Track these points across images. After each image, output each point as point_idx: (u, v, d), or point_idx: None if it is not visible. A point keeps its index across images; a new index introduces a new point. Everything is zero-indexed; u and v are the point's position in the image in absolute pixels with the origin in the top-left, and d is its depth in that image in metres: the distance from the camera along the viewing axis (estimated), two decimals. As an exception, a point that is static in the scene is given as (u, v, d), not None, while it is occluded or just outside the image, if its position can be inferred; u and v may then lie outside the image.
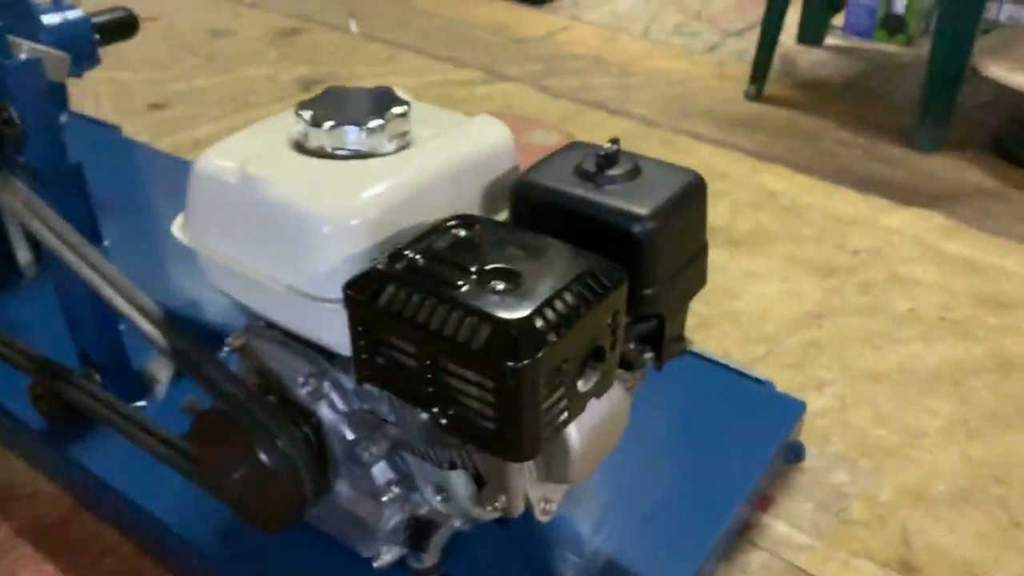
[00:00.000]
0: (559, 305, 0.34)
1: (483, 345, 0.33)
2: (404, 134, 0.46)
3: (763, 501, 0.62)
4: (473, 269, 0.36)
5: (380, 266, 0.37)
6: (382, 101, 0.46)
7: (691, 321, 0.73)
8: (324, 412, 0.47)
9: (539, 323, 0.33)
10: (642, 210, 0.41)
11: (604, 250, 0.40)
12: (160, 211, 0.86)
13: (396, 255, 0.37)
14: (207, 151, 0.46)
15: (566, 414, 0.36)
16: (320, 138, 0.44)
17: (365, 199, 0.42)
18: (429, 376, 0.35)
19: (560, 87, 1.29)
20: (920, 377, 0.74)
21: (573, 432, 0.41)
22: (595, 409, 0.39)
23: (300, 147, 0.45)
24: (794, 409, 0.65)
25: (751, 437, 0.62)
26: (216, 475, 0.48)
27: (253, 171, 0.43)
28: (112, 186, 0.87)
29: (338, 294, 0.40)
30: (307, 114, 0.44)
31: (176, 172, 0.95)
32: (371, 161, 0.44)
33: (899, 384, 0.73)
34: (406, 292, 0.35)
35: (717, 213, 0.97)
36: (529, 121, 1.19)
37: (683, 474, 0.59)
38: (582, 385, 0.37)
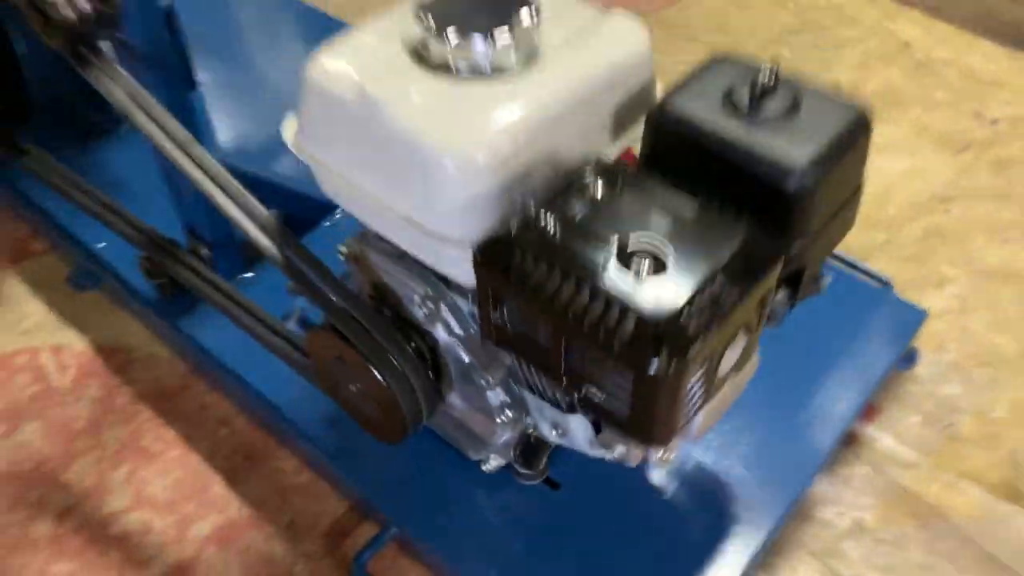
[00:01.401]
0: (710, 295, 0.32)
1: (627, 340, 0.31)
2: (533, 45, 0.41)
3: (870, 411, 0.61)
4: (614, 244, 0.33)
5: (513, 230, 0.35)
6: (509, 3, 0.41)
7: None
8: (440, 334, 0.46)
9: (688, 320, 0.31)
10: (799, 161, 0.37)
11: (754, 198, 0.37)
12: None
13: (528, 221, 0.35)
14: (320, 55, 0.42)
15: (704, 397, 0.35)
16: (442, 51, 0.40)
17: (494, 132, 0.38)
18: (564, 354, 0.34)
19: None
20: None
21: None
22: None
23: (420, 58, 0.41)
24: (914, 319, 0.62)
25: (865, 347, 0.60)
26: (332, 384, 0.49)
27: (372, 91, 0.39)
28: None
29: (461, 234, 0.38)
30: (429, 20, 0.40)
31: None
32: (499, 82, 0.40)
33: (1026, 287, 0.69)
34: (542, 270, 0.33)
35: (844, 66, 0.89)
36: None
37: (793, 384, 0.58)
38: (724, 367, 0.35)
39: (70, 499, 0.57)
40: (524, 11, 0.41)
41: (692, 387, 0.33)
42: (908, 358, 0.64)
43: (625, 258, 0.32)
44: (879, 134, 0.81)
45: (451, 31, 0.39)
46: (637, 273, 0.32)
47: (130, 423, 0.61)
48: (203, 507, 0.57)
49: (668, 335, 0.31)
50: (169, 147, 0.48)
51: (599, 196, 0.35)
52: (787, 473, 0.54)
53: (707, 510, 0.52)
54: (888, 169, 0.79)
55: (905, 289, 0.67)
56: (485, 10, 0.41)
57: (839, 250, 0.66)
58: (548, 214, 0.35)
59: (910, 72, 0.89)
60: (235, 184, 0.48)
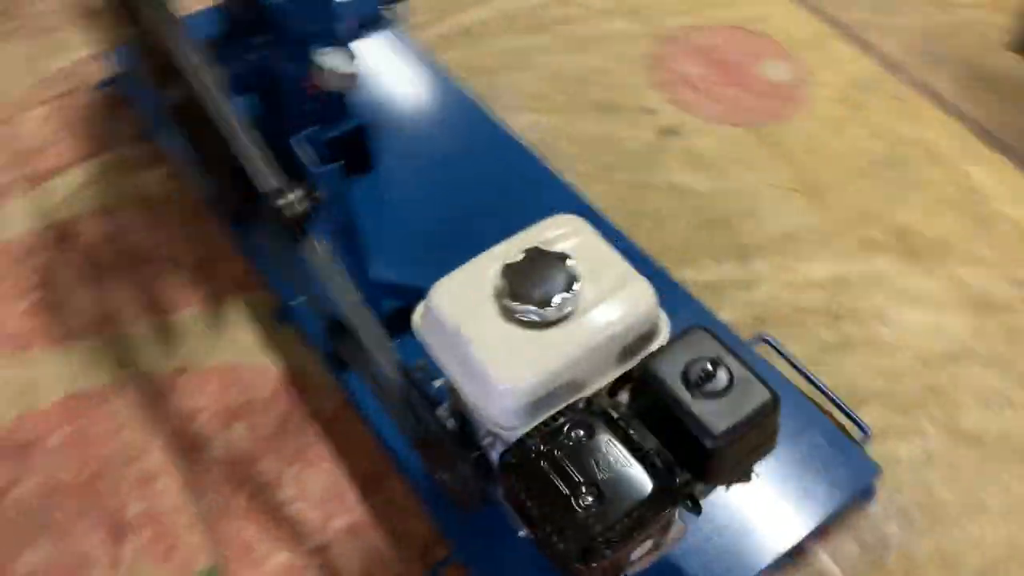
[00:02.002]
0: (621, 527, 0.54)
1: (560, 550, 0.54)
2: (575, 304, 0.63)
3: (824, 532, 0.81)
4: (574, 479, 0.56)
5: (515, 454, 0.58)
6: (568, 274, 0.63)
7: (833, 338, 0.90)
8: (492, 454, 0.70)
9: (601, 541, 0.54)
10: (717, 428, 0.58)
11: (690, 448, 0.58)
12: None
13: (523, 446, 0.58)
14: (440, 285, 0.65)
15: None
16: (513, 306, 0.62)
17: (534, 370, 0.61)
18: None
19: (821, 0, 1.27)
20: (1015, 449, 0.85)
21: None
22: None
23: (499, 301, 0.63)
24: (870, 471, 0.80)
25: (819, 488, 0.79)
26: (428, 463, 0.75)
27: (463, 331, 0.63)
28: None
29: (504, 424, 0.61)
30: (506, 283, 0.62)
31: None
32: (547, 331, 0.62)
33: (990, 452, 0.85)
34: (524, 484, 0.56)
35: (910, 209, 1.03)
36: (769, 45, 1.22)
37: (749, 505, 0.78)
38: (636, 554, 0.57)
39: (258, 485, 0.87)
40: (574, 286, 0.62)
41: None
42: (866, 494, 0.83)
43: (576, 491, 0.55)
44: (919, 285, 0.96)
45: (519, 299, 0.62)
46: (580, 505, 0.55)
47: (301, 436, 0.90)
48: (342, 508, 0.85)
49: (588, 552, 0.54)
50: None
51: (577, 439, 0.58)
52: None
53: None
54: (909, 321, 0.94)
55: (885, 433, 0.85)
56: (547, 279, 0.63)
57: (836, 389, 0.85)
58: (542, 443, 0.58)
59: (968, 224, 1.02)
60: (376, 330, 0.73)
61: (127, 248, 1.06)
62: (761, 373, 0.60)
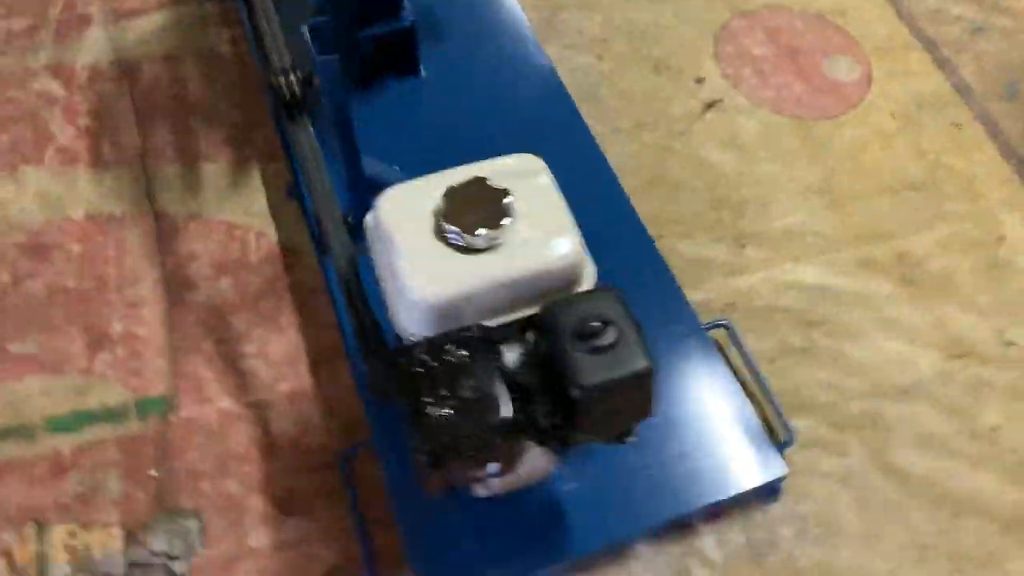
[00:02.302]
0: (468, 443, 0.59)
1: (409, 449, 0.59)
2: (503, 239, 0.66)
3: (715, 514, 0.83)
4: (440, 391, 0.60)
5: (397, 352, 0.62)
6: (501, 209, 0.66)
7: (797, 343, 0.91)
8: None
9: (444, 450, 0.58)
10: (587, 382, 0.61)
11: (561, 392, 0.62)
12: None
13: (407, 349, 0.62)
14: (390, 191, 0.70)
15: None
16: (445, 228, 0.66)
17: (445, 286, 0.65)
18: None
19: (915, 6, 1.22)
20: (933, 497, 0.85)
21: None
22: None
23: (435, 219, 0.67)
24: (776, 475, 0.82)
25: (722, 474, 0.82)
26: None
27: (395, 238, 0.67)
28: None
29: (410, 332, 0.66)
30: (442, 206, 0.66)
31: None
32: (469, 256, 0.66)
33: (908, 491, 0.85)
34: (396, 384, 0.61)
35: (925, 238, 1.01)
36: (844, 40, 1.19)
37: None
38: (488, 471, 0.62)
39: (227, 335, 0.95)
40: (503, 221, 0.66)
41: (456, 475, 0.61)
42: (770, 494, 0.85)
43: (439, 400, 0.60)
44: (905, 314, 0.95)
45: (450, 223, 0.65)
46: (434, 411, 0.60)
47: (278, 302, 0.97)
48: (291, 374, 0.92)
49: (432, 457, 0.59)
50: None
51: (453, 356, 0.62)
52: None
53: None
54: (879, 347, 0.93)
55: (811, 445, 0.87)
56: (482, 209, 0.66)
57: (780, 392, 0.87)
58: (424, 350, 0.62)
59: (980, 268, 0.99)
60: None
61: (180, 95, 1.13)
62: (647, 344, 0.63)
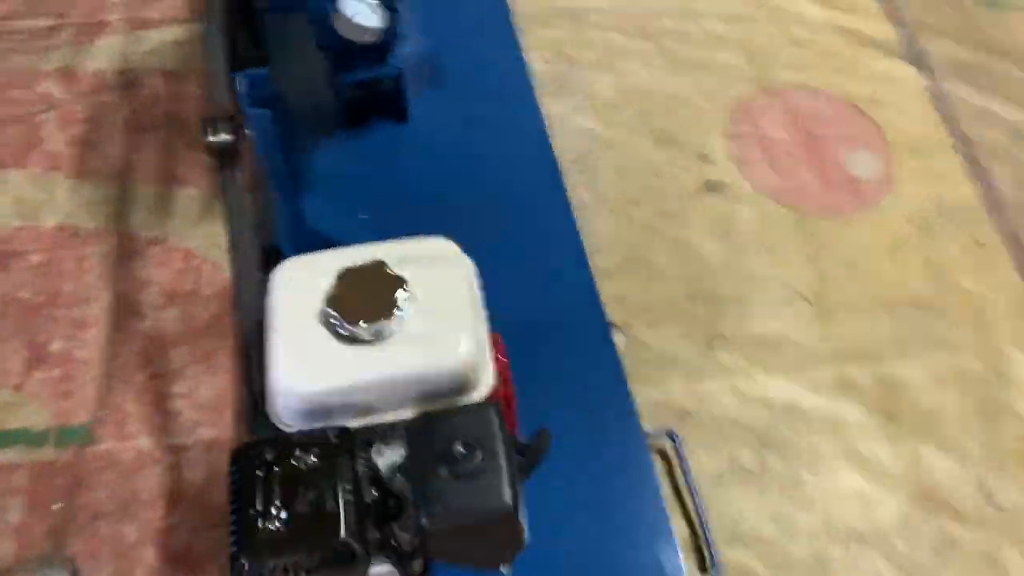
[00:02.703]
0: (291, 564, 0.54)
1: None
2: (392, 333, 0.62)
3: None
4: (274, 499, 0.56)
5: (244, 447, 0.58)
6: (393, 300, 0.61)
7: (748, 464, 0.85)
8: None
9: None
10: (437, 511, 0.56)
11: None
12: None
13: (253, 446, 0.58)
14: (290, 263, 0.66)
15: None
16: (329, 313, 0.62)
17: (317, 378, 0.61)
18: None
19: (960, 104, 1.12)
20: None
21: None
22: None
23: (323, 303, 0.63)
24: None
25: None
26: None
27: (278, 317, 0.63)
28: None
29: (280, 420, 0.62)
30: (337, 288, 0.62)
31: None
32: (350, 347, 0.61)
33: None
34: (235, 479, 0.57)
35: (917, 367, 0.92)
36: (872, 133, 1.10)
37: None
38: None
39: (162, 369, 0.92)
40: (394, 314, 0.61)
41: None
42: None
43: (267, 513, 0.55)
44: (870, 448, 0.88)
45: (337, 305, 0.61)
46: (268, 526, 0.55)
47: (218, 342, 0.94)
48: (214, 421, 0.89)
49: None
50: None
51: (299, 463, 0.57)
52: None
53: None
54: (839, 482, 0.84)
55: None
56: (374, 298, 0.62)
57: (718, 517, 0.79)
58: (271, 453, 0.58)
59: (972, 409, 0.89)
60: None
61: (174, 113, 1.12)
62: (515, 476, 0.57)
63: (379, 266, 0.64)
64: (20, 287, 0.98)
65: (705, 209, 1.03)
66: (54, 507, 0.84)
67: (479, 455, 0.57)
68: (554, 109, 1.10)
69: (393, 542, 0.59)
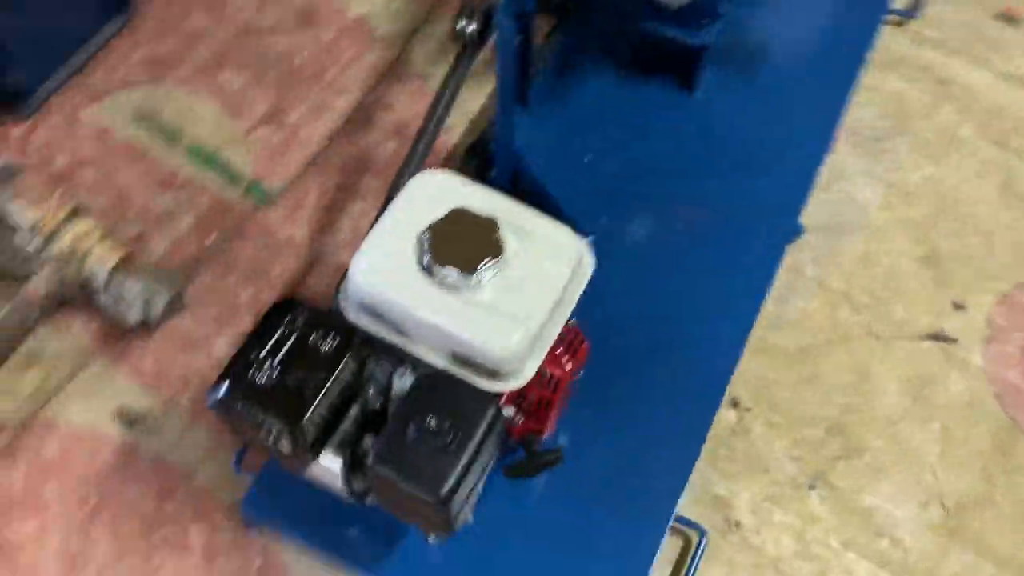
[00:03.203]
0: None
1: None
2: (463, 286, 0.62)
3: None
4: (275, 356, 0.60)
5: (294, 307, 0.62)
6: (477, 262, 0.61)
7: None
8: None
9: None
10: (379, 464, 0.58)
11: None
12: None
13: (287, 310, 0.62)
14: (430, 174, 0.67)
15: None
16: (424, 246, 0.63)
17: (376, 285, 0.63)
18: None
19: None
20: None
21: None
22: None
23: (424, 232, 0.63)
24: None
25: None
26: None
27: (384, 221, 0.65)
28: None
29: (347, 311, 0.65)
30: (427, 245, 0.62)
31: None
32: (424, 280, 0.62)
33: None
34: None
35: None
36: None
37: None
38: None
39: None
40: (471, 279, 0.61)
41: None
42: None
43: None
44: None
45: (433, 261, 0.61)
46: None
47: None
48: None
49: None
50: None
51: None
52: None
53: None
54: None
55: None
56: (472, 249, 0.61)
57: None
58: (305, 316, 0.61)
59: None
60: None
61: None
62: (464, 473, 0.57)
63: (491, 224, 0.63)
64: (297, 51, 1.07)
65: (914, 355, 0.90)
66: (208, 240, 0.96)
67: (449, 439, 0.58)
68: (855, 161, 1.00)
69: (359, 450, 0.63)
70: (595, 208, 0.91)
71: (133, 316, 0.85)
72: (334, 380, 0.60)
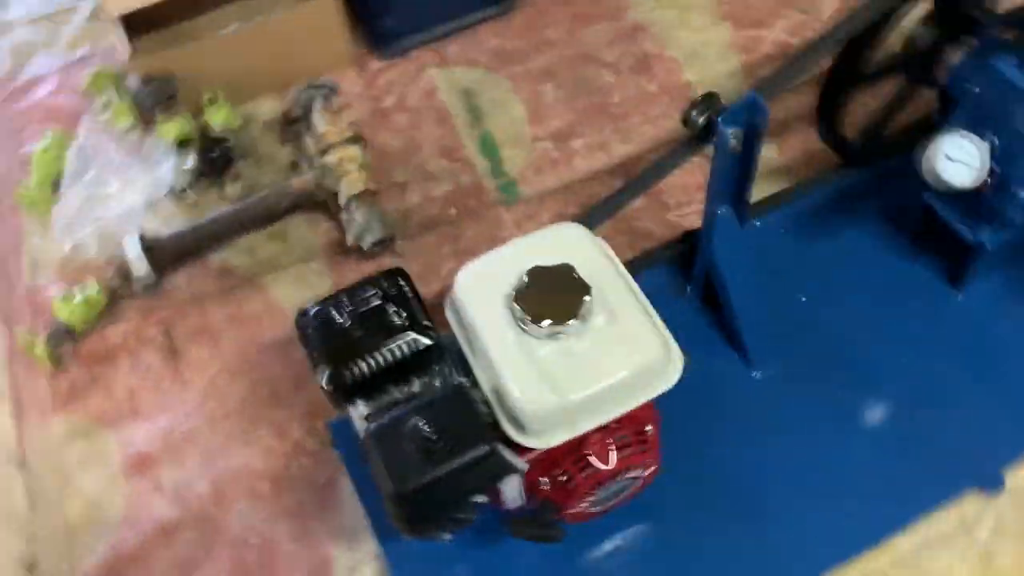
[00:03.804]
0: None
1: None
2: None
3: None
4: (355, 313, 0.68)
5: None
6: (560, 313, 0.63)
7: None
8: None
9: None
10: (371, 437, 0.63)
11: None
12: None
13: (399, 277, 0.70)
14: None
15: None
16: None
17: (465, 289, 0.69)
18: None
19: None
20: None
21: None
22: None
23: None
24: None
25: None
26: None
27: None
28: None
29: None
30: (520, 284, 0.66)
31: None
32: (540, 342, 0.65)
33: None
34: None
35: None
36: None
37: None
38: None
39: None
40: (572, 323, 0.63)
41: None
42: None
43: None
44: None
45: (528, 318, 0.64)
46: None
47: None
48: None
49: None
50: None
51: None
52: None
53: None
54: None
55: None
56: (548, 305, 0.63)
57: None
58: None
59: None
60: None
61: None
62: (433, 486, 0.61)
63: (583, 290, 0.64)
64: (618, 90, 1.14)
65: None
66: (450, 211, 1.06)
67: (437, 448, 0.62)
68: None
69: (386, 396, 0.68)
70: (777, 351, 0.87)
71: (350, 237, 0.99)
72: (385, 350, 0.66)
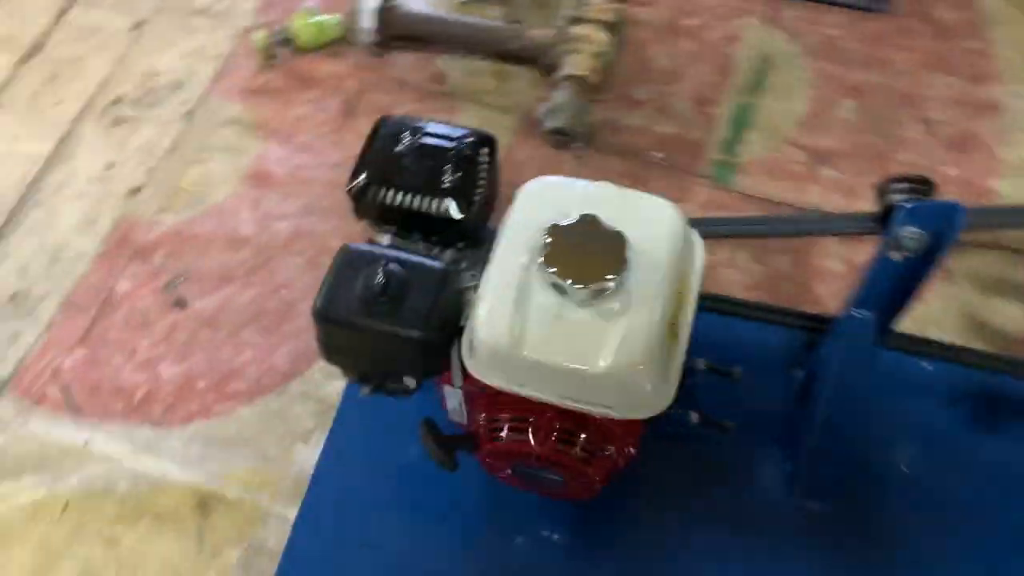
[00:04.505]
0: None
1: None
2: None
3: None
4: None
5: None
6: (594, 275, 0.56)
7: None
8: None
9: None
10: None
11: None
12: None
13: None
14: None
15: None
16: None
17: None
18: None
19: None
20: None
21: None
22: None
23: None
24: None
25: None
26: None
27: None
28: None
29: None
30: (546, 240, 0.57)
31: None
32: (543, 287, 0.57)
33: None
34: None
35: None
36: None
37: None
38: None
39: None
40: (581, 291, 0.55)
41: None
42: None
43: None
44: None
45: (562, 277, 0.55)
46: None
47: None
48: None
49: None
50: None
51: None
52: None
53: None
54: None
55: None
56: (579, 266, 0.55)
57: None
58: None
59: None
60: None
61: None
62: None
63: (620, 241, 0.55)
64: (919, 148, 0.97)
65: None
66: (658, 154, 0.98)
67: (377, 303, 0.57)
68: None
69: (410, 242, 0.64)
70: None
71: (539, 111, 0.94)
72: (416, 197, 0.62)
